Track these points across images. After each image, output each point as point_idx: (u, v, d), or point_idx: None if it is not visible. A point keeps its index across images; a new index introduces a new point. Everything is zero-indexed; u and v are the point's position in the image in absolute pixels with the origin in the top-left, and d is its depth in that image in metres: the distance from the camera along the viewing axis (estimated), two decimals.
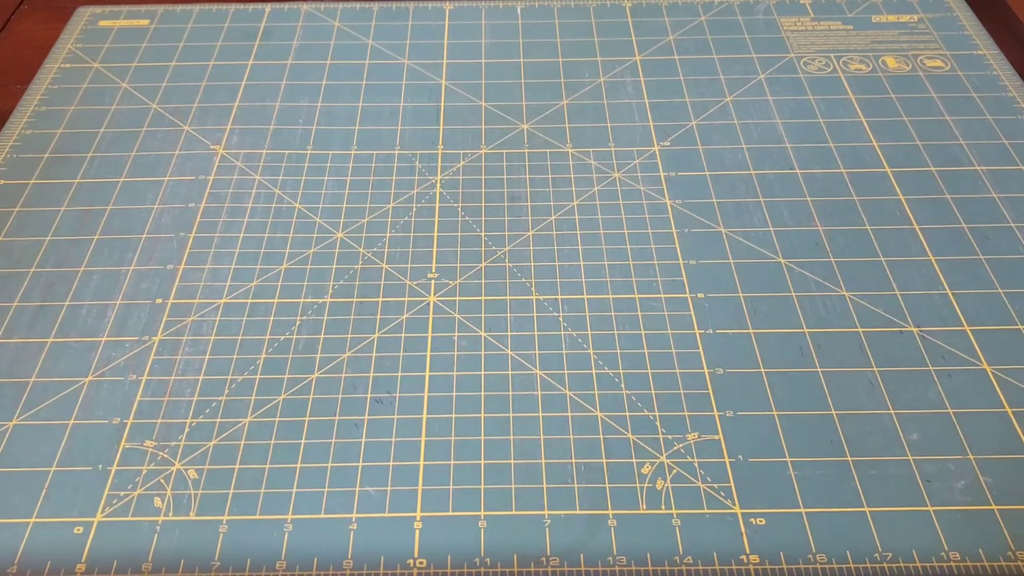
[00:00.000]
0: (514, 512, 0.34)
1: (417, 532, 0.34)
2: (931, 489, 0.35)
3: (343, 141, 0.50)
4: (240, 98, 0.53)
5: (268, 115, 0.52)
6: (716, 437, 0.37)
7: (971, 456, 0.36)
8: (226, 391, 0.38)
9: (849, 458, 0.36)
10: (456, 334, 0.41)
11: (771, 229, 0.45)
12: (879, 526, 0.34)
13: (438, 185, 0.48)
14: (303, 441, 0.37)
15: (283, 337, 0.40)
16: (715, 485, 0.35)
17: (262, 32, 0.58)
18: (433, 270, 0.43)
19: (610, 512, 0.34)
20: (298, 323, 0.41)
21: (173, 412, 0.38)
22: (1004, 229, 0.45)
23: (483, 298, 0.42)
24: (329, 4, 0.60)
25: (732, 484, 0.35)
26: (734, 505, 0.34)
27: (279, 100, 0.53)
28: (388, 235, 0.45)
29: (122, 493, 0.35)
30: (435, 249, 0.44)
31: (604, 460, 0.36)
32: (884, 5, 0.60)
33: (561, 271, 0.43)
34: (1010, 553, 0.33)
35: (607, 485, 0.35)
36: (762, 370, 0.39)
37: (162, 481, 0.35)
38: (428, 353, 0.40)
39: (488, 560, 0.33)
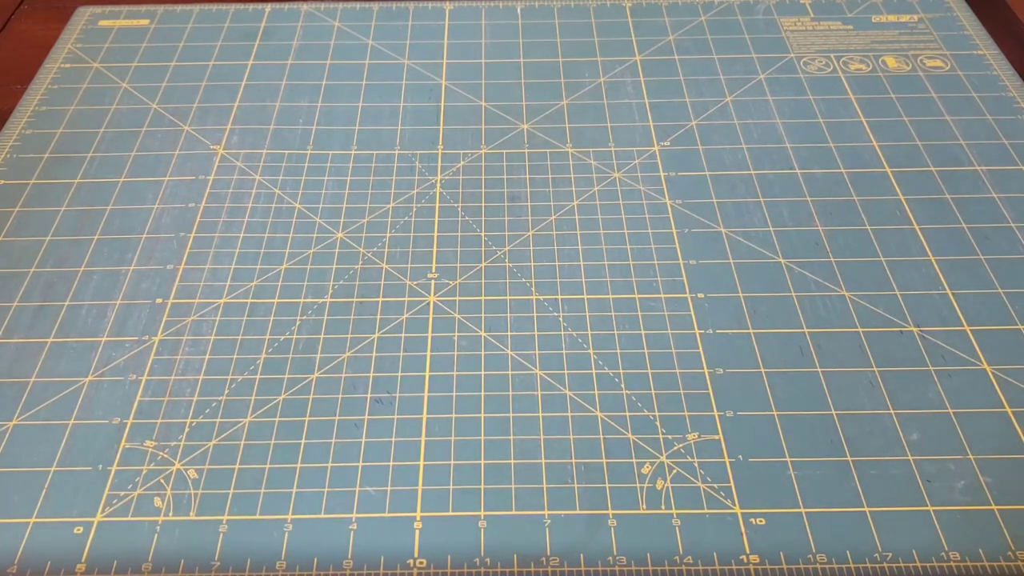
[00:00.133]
0: (514, 512, 0.34)
1: (417, 532, 0.34)
2: (931, 489, 0.35)
3: (343, 141, 0.50)
4: (240, 98, 0.53)
5: (268, 115, 0.52)
6: (716, 437, 0.37)
7: (971, 456, 0.36)
8: (226, 391, 0.38)
9: (849, 458, 0.36)
10: (456, 334, 0.41)
11: (771, 229, 0.45)
12: (879, 526, 0.34)
13: (438, 185, 0.48)
14: (303, 441, 0.37)
15: (283, 337, 0.40)
16: (715, 485, 0.35)
17: (262, 32, 0.58)
18: (433, 270, 0.43)
19: (610, 512, 0.34)
20: (298, 323, 0.41)
21: (173, 412, 0.38)
22: (1004, 229, 0.45)
23: (483, 298, 0.42)
24: (329, 4, 0.60)
25: (732, 484, 0.35)
26: (734, 505, 0.34)
27: (279, 100, 0.53)
28: (388, 235, 0.45)
29: (122, 493, 0.35)
30: (435, 249, 0.44)
31: (604, 460, 0.36)
32: (884, 5, 0.60)
33: (561, 271, 0.43)
34: (1010, 553, 0.33)
35: (607, 485, 0.35)
36: (762, 370, 0.39)
37: (162, 481, 0.35)
38: (428, 353, 0.40)
39: (488, 560, 0.33)
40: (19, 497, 0.35)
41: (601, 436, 0.37)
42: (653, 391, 0.38)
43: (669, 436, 0.37)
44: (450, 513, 0.34)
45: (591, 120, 0.51)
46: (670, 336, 0.40)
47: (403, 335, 0.40)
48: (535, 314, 0.41)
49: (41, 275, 0.43)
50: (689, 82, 0.54)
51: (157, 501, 0.35)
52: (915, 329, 0.40)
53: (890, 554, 0.33)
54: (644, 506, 0.34)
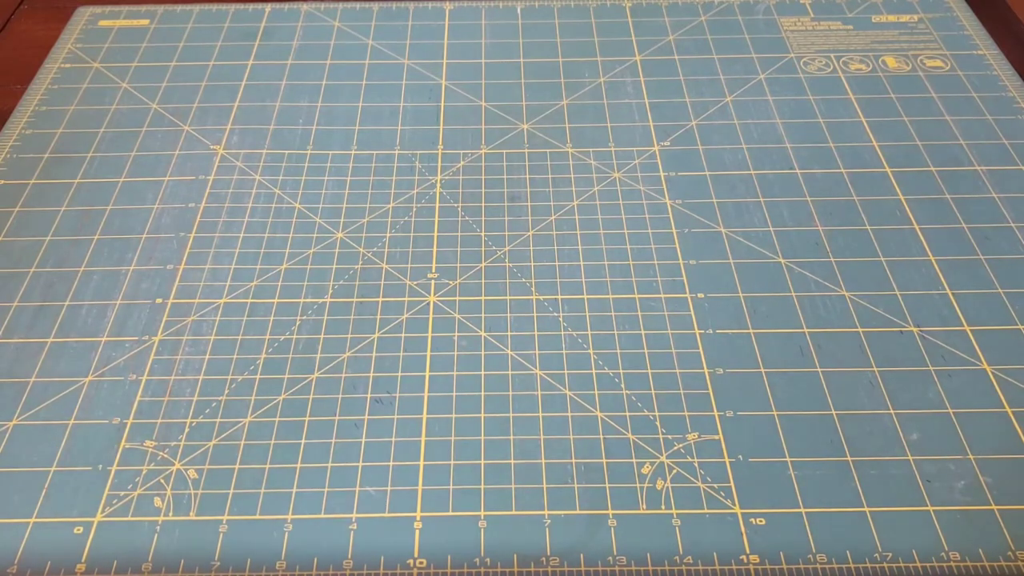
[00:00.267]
0: (514, 512, 0.34)
1: (417, 532, 0.34)
2: (931, 489, 0.35)
3: (343, 141, 0.50)
4: (240, 98, 0.53)
5: (268, 115, 0.52)
6: (716, 437, 0.37)
7: (971, 456, 0.36)
8: (226, 391, 0.38)
9: (849, 458, 0.36)
10: (456, 334, 0.41)
11: (771, 229, 0.45)
12: (879, 526, 0.34)
13: (438, 185, 0.48)
14: (303, 441, 0.37)
15: (283, 337, 0.40)
16: (715, 485, 0.35)
17: (262, 32, 0.58)
18: (433, 270, 0.43)
19: (610, 512, 0.34)
20: (298, 323, 0.41)
21: (173, 412, 0.38)
22: (1004, 229, 0.45)
23: (483, 298, 0.42)
24: (329, 4, 0.60)
25: (732, 484, 0.35)
26: (734, 505, 0.34)
27: (279, 100, 0.53)
28: (388, 235, 0.45)
29: (122, 493, 0.35)
30: (435, 249, 0.44)
31: (604, 460, 0.36)
32: (884, 5, 0.60)
33: (561, 271, 0.43)
34: (1010, 553, 0.33)
35: (607, 485, 0.35)
36: (762, 370, 0.39)
37: (162, 481, 0.35)
38: (428, 353, 0.40)
39: (488, 560, 0.33)
40: (19, 497, 0.35)
41: (601, 436, 0.37)
42: (653, 391, 0.38)
43: (669, 436, 0.37)
44: (450, 513, 0.34)
45: (591, 120, 0.51)
46: (670, 336, 0.40)
47: (403, 335, 0.40)
48: (535, 314, 0.41)
49: (41, 275, 0.43)
50: (689, 82, 0.54)
51: (157, 501, 0.35)
52: (915, 329, 0.40)
53: (890, 554, 0.33)
54: (644, 506, 0.34)
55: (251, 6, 0.60)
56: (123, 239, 0.45)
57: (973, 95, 0.52)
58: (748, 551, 0.33)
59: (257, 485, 0.35)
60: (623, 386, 0.38)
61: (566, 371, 0.39)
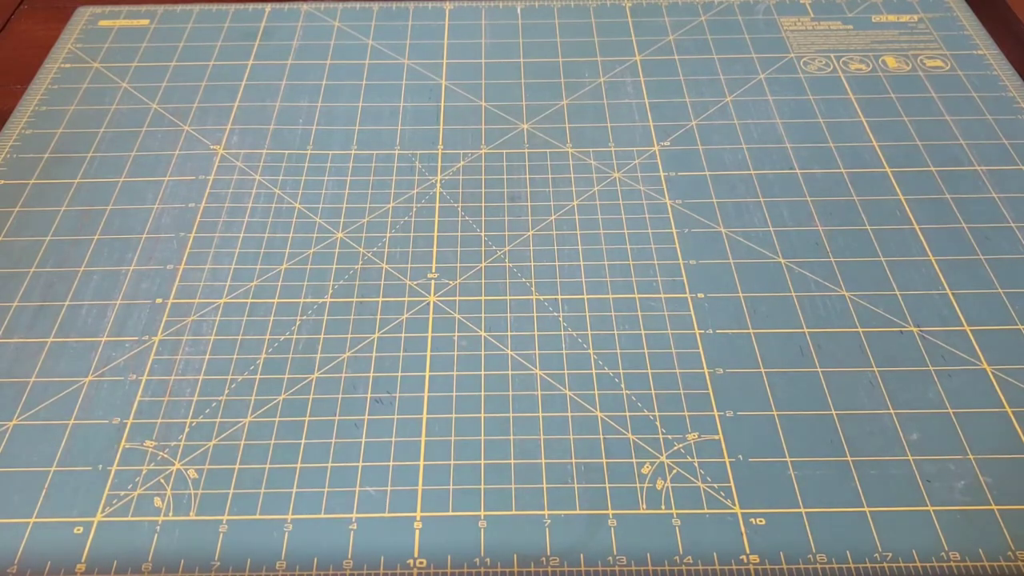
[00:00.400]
0: (514, 512, 0.34)
1: (417, 532, 0.34)
2: (931, 489, 0.35)
3: (343, 141, 0.50)
4: (240, 98, 0.53)
5: (268, 115, 0.52)
6: (716, 437, 0.37)
7: (971, 456, 0.36)
8: (226, 391, 0.38)
9: (849, 458, 0.36)
10: (456, 334, 0.41)
11: (771, 229, 0.45)
12: (879, 526, 0.34)
13: (438, 185, 0.48)
14: (303, 441, 0.37)
15: (283, 337, 0.40)
16: (715, 485, 0.35)
17: (262, 32, 0.58)
18: (433, 270, 0.43)
19: (610, 512, 0.34)
20: (298, 323, 0.41)
21: (173, 412, 0.38)
22: (1004, 229, 0.45)
23: (483, 298, 0.42)
24: (329, 4, 0.60)
25: (732, 484, 0.35)
26: (734, 505, 0.34)
27: (279, 100, 0.53)
28: (388, 235, 0.45)
29: (122, 493, 0.35)
30: (435, 249, 0.44)
31: (604, 460, 0.36)
32: (884, 5, 0.60)
33: (561, 271, 0.43)
34: (1010, 553, 0.33)
35: (607, 485, 0.35)
36: (762, 370, 0.39)
37: (162, 481, 0.35)
38: (428, 353, 0.40)
39: (488, 560, 0.33)
40: (19, 497, 0.35)
41: (601, 436, 0.37)
42: (653, 391, 0.38)
43: (669, 436, 0.37)
44: (450, 513, 0.34)
45: (591, 120, 0.51)
46: (670, 336, 0.40)
47: (403, 335, 0.40)
48: (535, 314, 0.41)
49: (41, 275, 0.43)
50: (689, 82, 0.54)
51: (157, 501, 0.35)
52: (915, 329, 0.40)
53: (890, 554, 0.33)
54: (644, 506, 0.34)
55: (251, 6, 0.60)
56: (123, 239, 0.45)
57: (973, 95, 0.52)
58: (748, 551, 0.33)
59: (257, 485, 0.35)
60: (623, 386, 0.38)
61: (566, 371, 0.39)
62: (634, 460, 0.36)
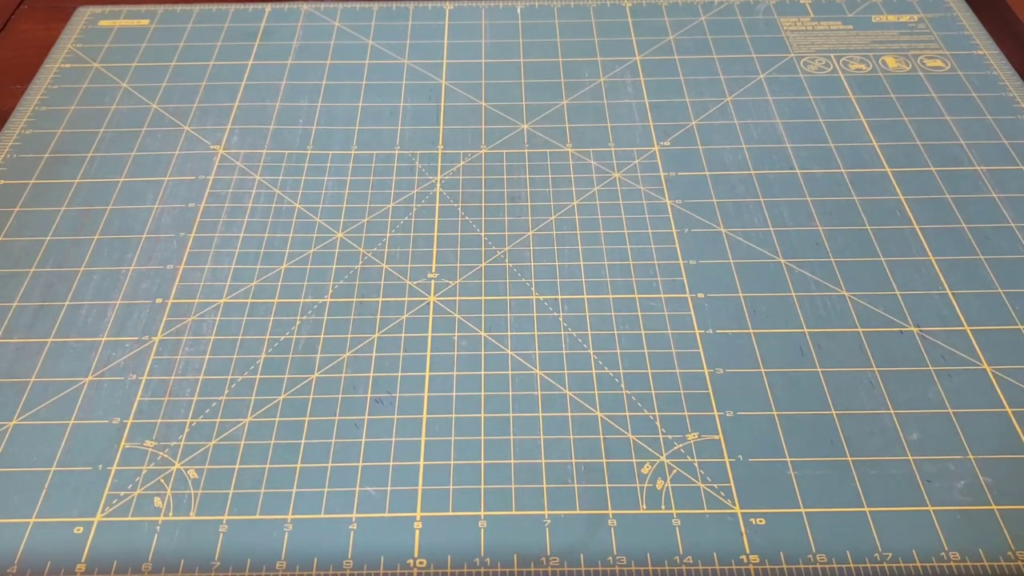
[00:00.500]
0: (514, 512, 0.34)
1: (417, 532, 0.34)
2: (931, 489, 0.35)
3: (343, 141, 0.50)
4: (240, 98, 0.53)
5: (268, 115, 0.52)
6: (716, 437, 0.37)
7: (971, 456, 0.36)
8: (226, 391, 0.38)
9: (849, 458, 0.36)
10: (456, 334, 0.41)
11: (771, 229, 0.45)
12: (879, 526, 0.34)
13: (438, 185, 0.48)
14: (303, 441, 0.37)
15: (283, 337, 0.40)
16: (715, 485, 0.35)
17: (262, 32, 0.58)
18: (433, 270, 0.43)
19: (610, 512, 0.34)
20: (298, 323, 0.41)
21: (173, 412, 0.38)
22: (1004, 229, 0.45)
23: (483, 298, 0.42)
24: (329, 4, 0.60)
25: (732, 484, 0.35)
26: (734, 505, 0.34)
27: (279, 100, 0.53)
28: (388, 235, 0.45)
29: (122, 493, 0.35)
30: (435, 249, 0.44)
31: (604, 460, 0.36)
32: (884, 5, 0.60)
33: (561, 271, 0.43)
34: (1010, 553, 0.33)
35: (607, 485, 0.35)
36: (762, 370, 0.39)
37: (162, 481, 0.35)
38: (428, 353, 0.40)
39: (488, 560, 0.33)
40: (19, 497, 0.35)
41: (601, 436, 0.37)
42: (653, 391, 0.38)
43: (669, 436, 0.37)
44: (450, 513, 0.34)
45: (591, 120, 0.51)
46: (670, 336, 0.40)
47: (403, 335, 0.40)
48: (535, 314, 0.41)
49: (41, 275, 0.43)
50: (689, 82, 0.54)
51: (157, 501, 0.35)
52: (915, 329, 0.40)
53: (890, 554, 0.33)
54: (644, 506, 0.34)
55: (251, 6, 0.60)
56: (123, 239, 0.45)
57: (973, 95, 0.52)
58: (748, 551, 0.33)
59: (257, 485, 0.35)
60: (623, 386, 0.38)
61: (566, 371, 0.39)
62: (634, 460, 0.36)
